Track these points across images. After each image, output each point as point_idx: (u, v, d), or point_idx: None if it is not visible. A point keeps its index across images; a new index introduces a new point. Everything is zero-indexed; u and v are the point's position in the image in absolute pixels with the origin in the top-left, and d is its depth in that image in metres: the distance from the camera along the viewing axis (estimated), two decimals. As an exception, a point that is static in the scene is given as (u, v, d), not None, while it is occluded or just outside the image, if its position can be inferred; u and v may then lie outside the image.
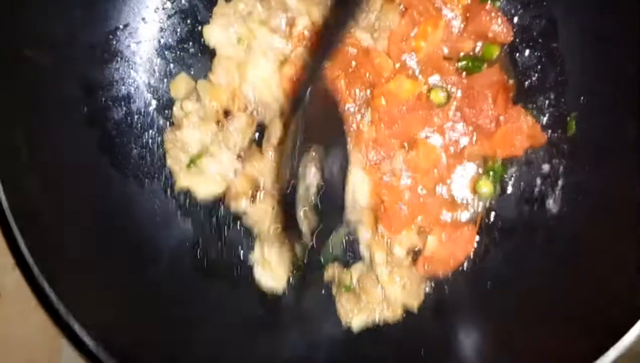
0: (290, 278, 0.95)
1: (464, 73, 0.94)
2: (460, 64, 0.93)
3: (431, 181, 0.94)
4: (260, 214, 0.94)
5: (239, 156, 0.95)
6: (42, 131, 0.85)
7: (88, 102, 0.93)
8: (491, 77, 0.91)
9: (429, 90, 0.94)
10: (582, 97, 0.88)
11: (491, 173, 0.93)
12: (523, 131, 0.90)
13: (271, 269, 0.95)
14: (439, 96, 0.93)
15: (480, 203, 0.95)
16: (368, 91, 0.94)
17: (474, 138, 0.93)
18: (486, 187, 0.93)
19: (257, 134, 0.97)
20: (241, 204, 0.95)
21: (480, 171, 0.94)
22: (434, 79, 0.94)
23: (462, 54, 0.94)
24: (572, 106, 0.90)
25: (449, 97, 0.93)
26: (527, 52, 0.92)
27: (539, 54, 0.92)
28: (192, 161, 0.95)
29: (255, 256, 0.96)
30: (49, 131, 0.87)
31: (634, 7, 0.80)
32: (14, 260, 0.93)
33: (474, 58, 0.93)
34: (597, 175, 0.86)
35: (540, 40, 0.91)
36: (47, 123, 0.87)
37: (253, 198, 0.94)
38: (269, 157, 0.94)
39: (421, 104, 0.93)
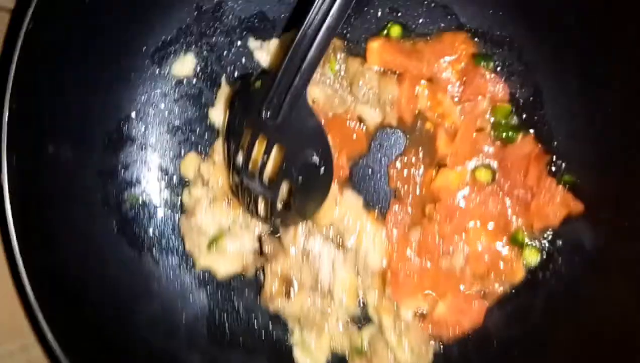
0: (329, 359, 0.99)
1: (498, 143, 0.94)
2: (494, 133, 0.94)
3: (481, 266, 0.94)
4: (298, 307, 0.97)
5: (259, 239, 1.00)
6: (63, 218, 0.91)
7: (104, 187, 0.99)
8: (523, 149, 0.92)
9: (474, 171, 0.94)
10: (570, 161, 0.91)
11: (529, 242, 0.93)
12: (555, 202, 0.89)
13: (310, 352, 0.99)
14: (485, 175, 0.94)
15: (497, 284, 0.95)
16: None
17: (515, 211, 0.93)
18: (532, 256, 0.93)
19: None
20: (278, 304, 0.97)
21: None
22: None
23: (492, 120, 0.94)
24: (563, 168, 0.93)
25: (494, 173, 0.94)
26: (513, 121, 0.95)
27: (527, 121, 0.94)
28: (213, 242, 0.99)
29: (295, 339, 1.00)
30: (69, 218, 0.92)
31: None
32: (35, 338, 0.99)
33: (508, 127, 0.94)
34: (594, 234, 0.87)
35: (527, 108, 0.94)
36: (67, 211, 0.92)
37: (287, 294, 0.96)
38: (292, 252, 0.97)
39: (471, 189, 0.93)
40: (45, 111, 0.88)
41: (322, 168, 0.83)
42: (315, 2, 0.72)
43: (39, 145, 0.89)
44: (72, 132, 0.94)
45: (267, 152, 0.82)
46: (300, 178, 0.84)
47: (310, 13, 0.73)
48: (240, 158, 0.87)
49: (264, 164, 0.84)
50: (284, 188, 0.87)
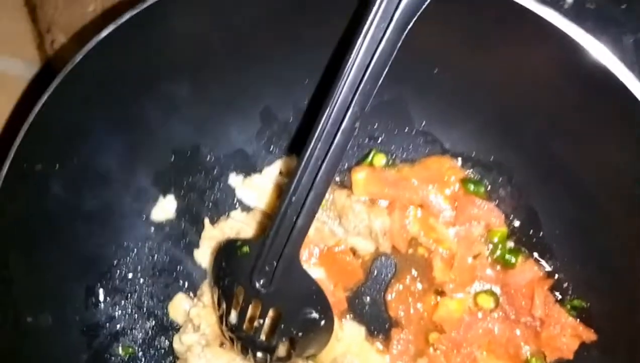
0: None
1: (498, 267, 0.90)
2: (492, 258, 0.90)
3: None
4: None
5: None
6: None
7: (89, 345, 0.94)
8: (525, 274, 0.87)
9: (476, 296, 0.90)
10: (576, 284, 0.86)
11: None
12: (567, 332, 0.84)
13: None
14: (487, 301, 0.89)
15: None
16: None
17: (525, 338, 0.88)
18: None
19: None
20: None
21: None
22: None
23: (490, 246, 0.90)
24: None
25: (497, 298, 0.89)
26: (511, 244, 0.90)
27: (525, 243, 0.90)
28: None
29: None
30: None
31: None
32: None
33: (505, 251, 0.89)
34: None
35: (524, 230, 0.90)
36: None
37: None
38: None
39: (475, 316, 0.89)
40: (19, 285, 0.84)
41: (323, 321, 0.79)
42: (299, 164, 0.69)
43: (15, 319, 0.84)
44: (50, 299, 0.89)
45: (263, 317, 0.78)
46: (300, 333, 0.79)
47: (296, 174, 0.70)
48: (233, 318, 0.82)
49: (260, 327, 0.79)
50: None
